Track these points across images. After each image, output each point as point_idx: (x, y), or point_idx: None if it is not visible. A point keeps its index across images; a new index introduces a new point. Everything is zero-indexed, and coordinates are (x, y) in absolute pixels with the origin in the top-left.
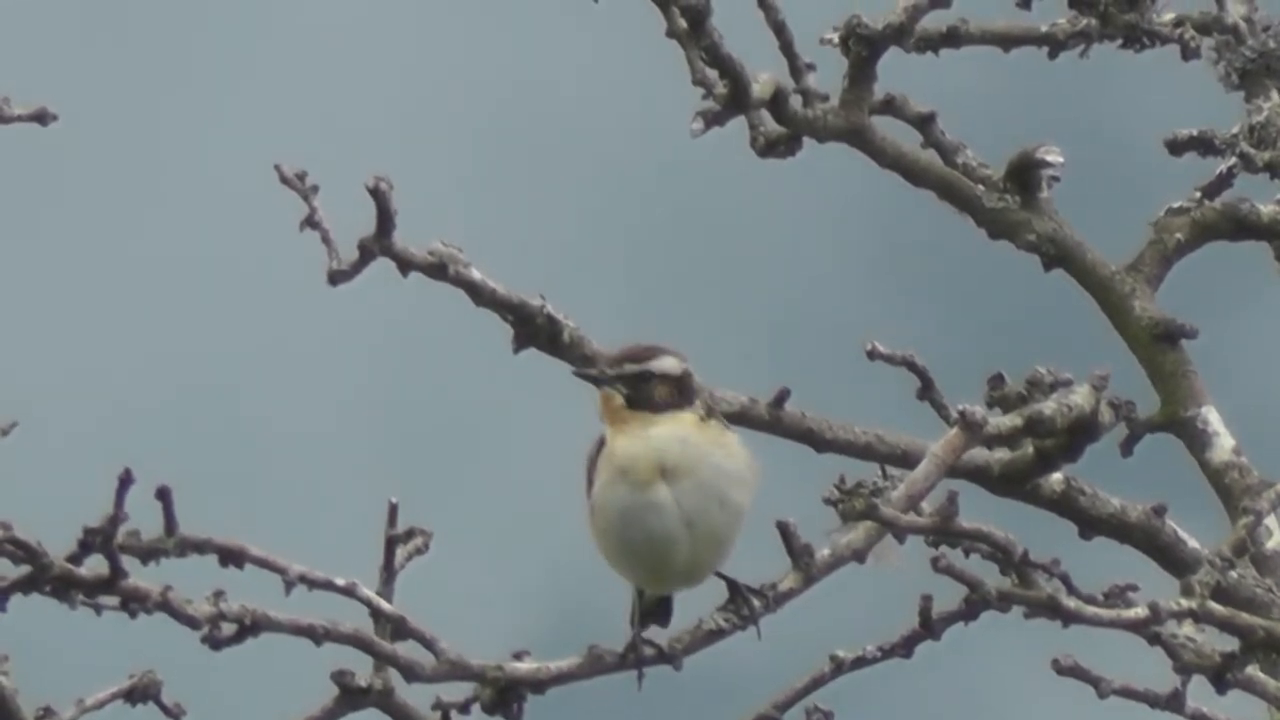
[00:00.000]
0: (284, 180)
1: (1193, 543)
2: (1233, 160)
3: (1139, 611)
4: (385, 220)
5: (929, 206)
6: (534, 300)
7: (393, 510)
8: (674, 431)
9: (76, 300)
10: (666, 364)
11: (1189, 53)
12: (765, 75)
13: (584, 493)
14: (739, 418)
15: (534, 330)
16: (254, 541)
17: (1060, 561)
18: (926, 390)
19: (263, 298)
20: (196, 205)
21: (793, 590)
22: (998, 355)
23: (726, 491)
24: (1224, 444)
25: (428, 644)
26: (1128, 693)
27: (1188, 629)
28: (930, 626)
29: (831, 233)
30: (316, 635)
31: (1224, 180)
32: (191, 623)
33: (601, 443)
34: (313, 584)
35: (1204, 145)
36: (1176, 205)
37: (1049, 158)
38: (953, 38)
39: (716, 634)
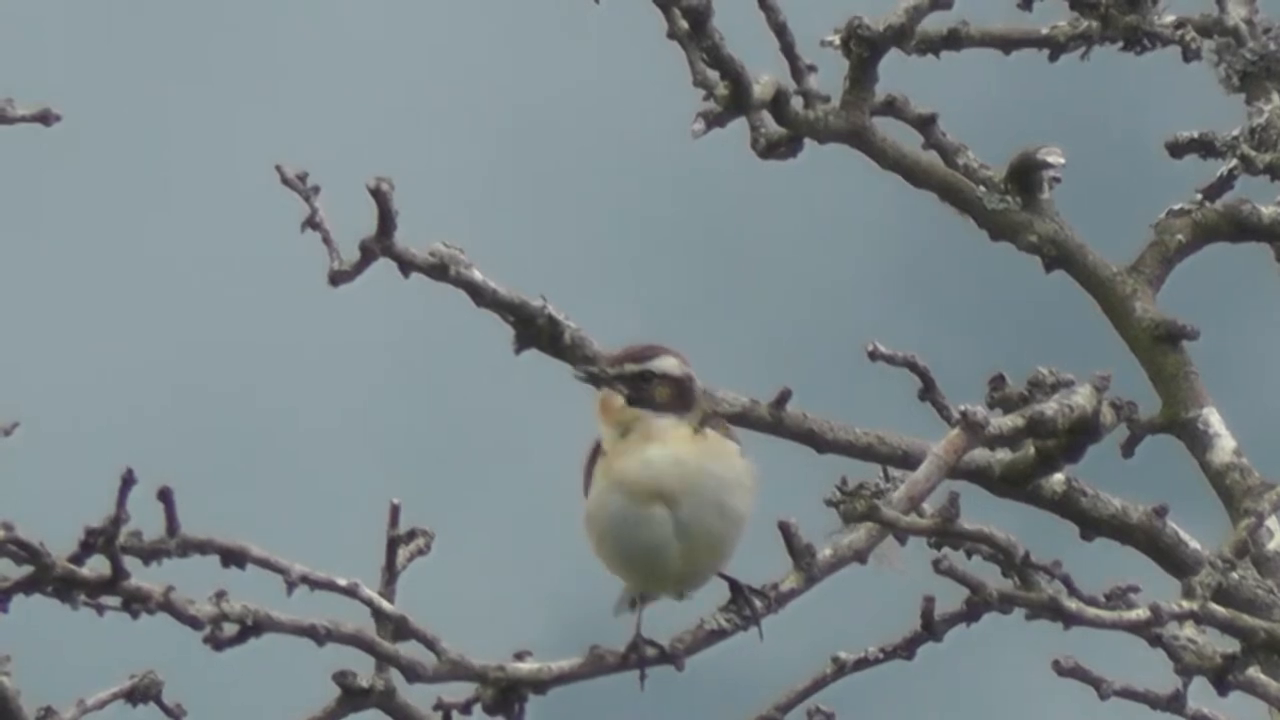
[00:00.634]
0: (285, 181)
1: (1194, 544)
2: (1233, 162)
3: (1140, 613)
4: (386, 221)
5: (930, 208)
6: (535, 301)
7: (394, 511)
8: (671, 452)
9: (77, 301)
10: (667, 364)
11: (1190, 55)
12: (766, 76)
13: (581, 494)
14: (740, 418)
15: (535, 331)
16: (256, 542)
17: (1062, 563)
18: (928, 391)
19: (265, 298)
20: (198, 205)
21: (794, 591)
22: (999, 356)
23: (725, 500)
24: (1225, 445)
25: (429, 644)
26: (1129, 694)
27: (1189, 630)
28: (932, 628)
29: (832, 235)
30: (318, 636)
31: (1225, 182)
32: (193, 623)
33: (598, 448)
34: (314, 584)
35: (1205, 147)
36: (1177, 207)
37: (1050, 159)
38: (954, 40)
39: (718, 634)
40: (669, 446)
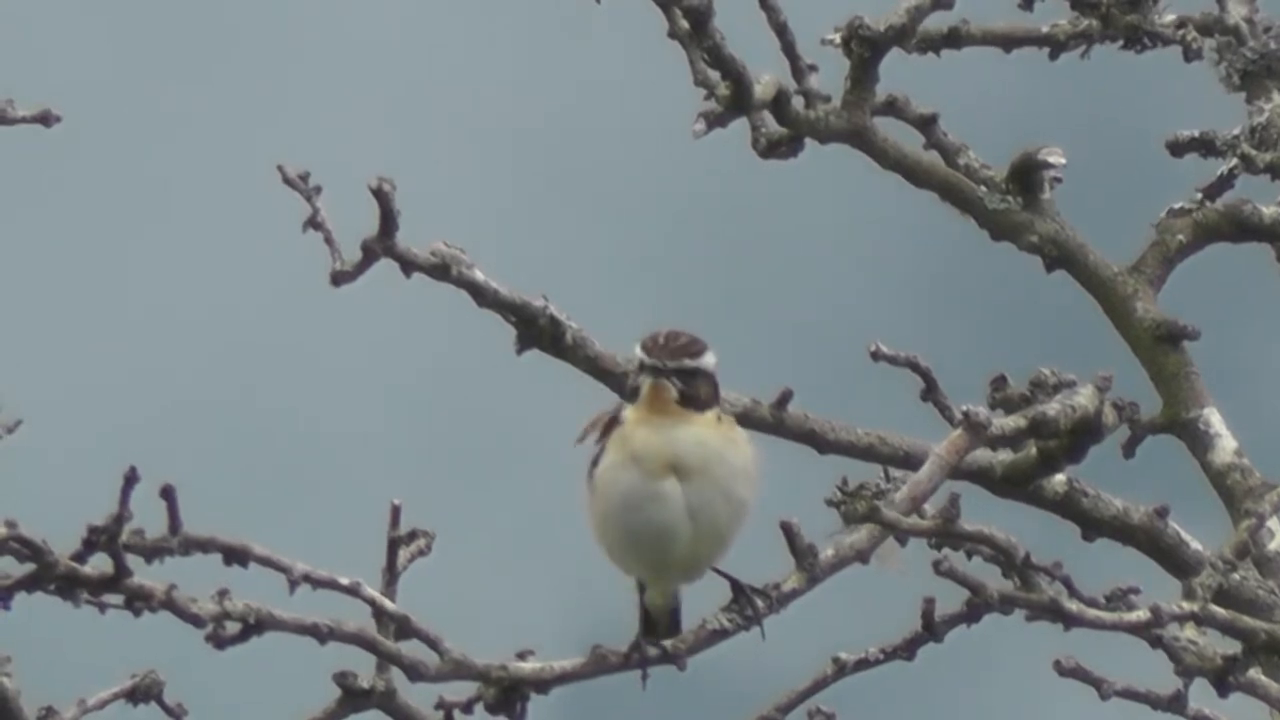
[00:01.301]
0: (286, 181)
1: (1195, 545)
2: (1234, 161)
3: (1141, 614)
4: (388, 221)
5: (931, 208)
6: (536, 301)
7: (395, 512)
8: (695, 433)
9: (78, 299)
10: (710, 360)
11: (1190, 54)
12: (767, 76)
13: (587, 465)
14: (742, 419)
15: (537, 331)
16: (258, 541)
17: (1062, 564)
18: (930, 391)
19: (266, 298)
20: (198, 206)
21: (796, 591)
22: (1000, 356)
23: (733, 486)
24: (1226, 446)
25: (431, 644)
26: (1130, 694)
27: (1190, 632)
28: (933, 628)
29: (833, 235)
30: (320, 634)
31: (1225, 181)
32: (196, 621)
33: (617, 417)
34: (317, 583)
35: (1205, 146)
36: (1178, 206)
37: (1051, 159)
38: (954, 39)
39: (720, 634)
40: (694, 428)
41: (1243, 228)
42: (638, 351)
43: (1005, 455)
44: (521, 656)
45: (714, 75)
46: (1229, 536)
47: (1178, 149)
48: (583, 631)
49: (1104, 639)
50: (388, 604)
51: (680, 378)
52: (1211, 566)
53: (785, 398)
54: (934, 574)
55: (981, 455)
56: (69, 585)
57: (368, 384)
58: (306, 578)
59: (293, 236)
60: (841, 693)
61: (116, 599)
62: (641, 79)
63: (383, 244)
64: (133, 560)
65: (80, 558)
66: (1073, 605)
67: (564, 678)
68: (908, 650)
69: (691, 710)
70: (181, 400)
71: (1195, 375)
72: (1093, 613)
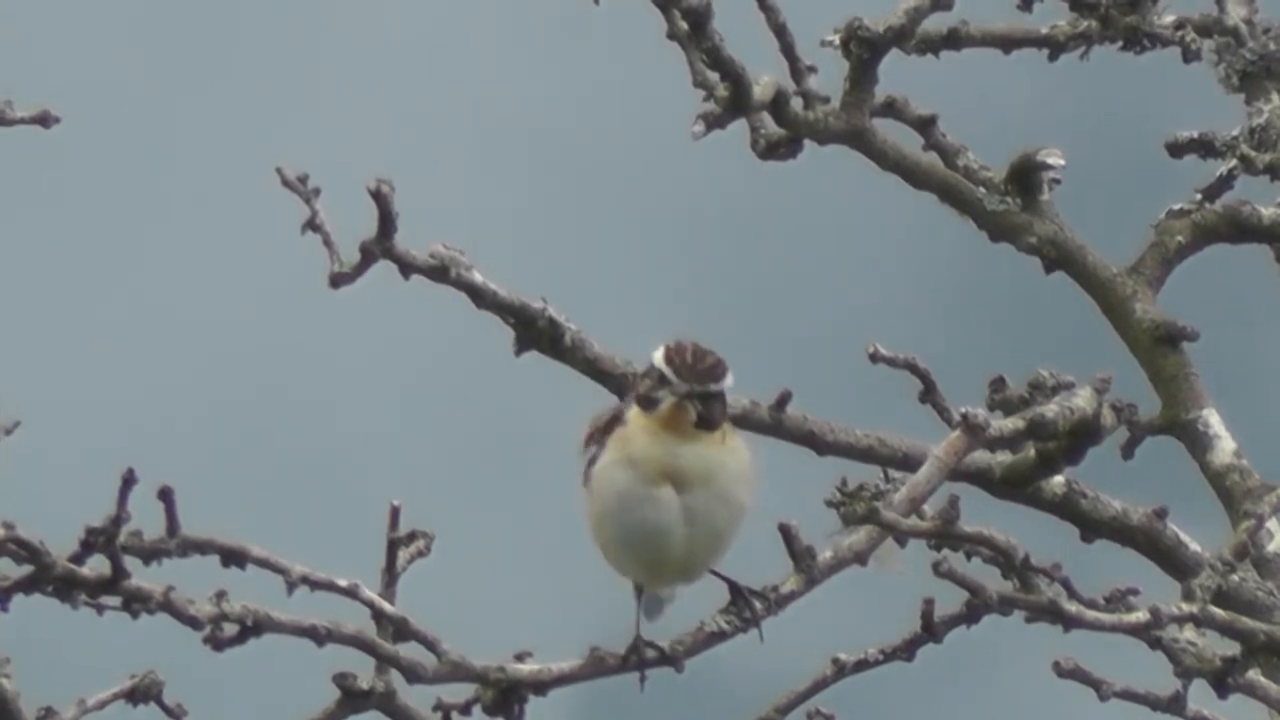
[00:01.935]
0: (285, 183)
1: (1194, 546)
2: (1233, 162)
3: (1140, 616)
4: (387, 223)
5: (930, 209)
6: (535, 303)
7: (394, 513)
8: (699, 451)
9: (76, 300)
10: (730, 381)
11: (1189, 55)
12: (766, 77)
13: (582, 463)
14: (741, 420)
15: (536, 333)
16: (256, 542)
17: (1061, 566)
18: (928, 393)
19: (265, 300)
20: (197, 206)
21: (794, 593)
22: (999, 358)
23: (731, 490)
24: (1225, 447)
25: (430, 645)
26: (1129, 695)
27: (1189, 633)
28: (932, 629)
29: (832, 236)
30: (319, 636)
31: (1224, 182)
32: (194, 623)
33: (619, 417)
34: (315, 585)
35: (1204, 147)
36: (1177, 207)
37: (1050, 160)
38: (953, 40)
39: (718, 636)
40: (699, 445)
41: (1242, 229)
42: (663, 365)
43: (1004, 457)
44: (519, 658)
45: (713, 76)
46: (1228, 538)
47: (1177, 150)
48: (581, 633)
49: (1103, 640)
50: (386, 606)
51: (702, 400)
52: (1210, 568)
53: (784, 399)
54: (933, 575)
55: (980, 457)
56: (67, 587)
57: (367, 386)
58: (305, 579)
59: (292, 238)
60: (841, 694)
61: (114, 601)
62: (640, 80)
63: (381, 246)
64: (131, 562)
65: (78, 559)
66: (1072, 606)
67: (562, 679)
68: (907, 651)
69: (690, 712)
70: (178, 402)
71: (1194, 376)
72: (1092, 614)
